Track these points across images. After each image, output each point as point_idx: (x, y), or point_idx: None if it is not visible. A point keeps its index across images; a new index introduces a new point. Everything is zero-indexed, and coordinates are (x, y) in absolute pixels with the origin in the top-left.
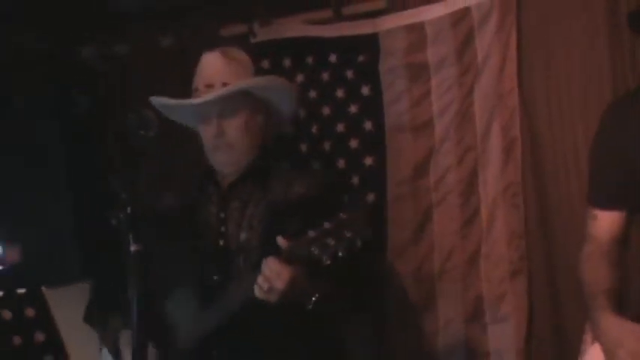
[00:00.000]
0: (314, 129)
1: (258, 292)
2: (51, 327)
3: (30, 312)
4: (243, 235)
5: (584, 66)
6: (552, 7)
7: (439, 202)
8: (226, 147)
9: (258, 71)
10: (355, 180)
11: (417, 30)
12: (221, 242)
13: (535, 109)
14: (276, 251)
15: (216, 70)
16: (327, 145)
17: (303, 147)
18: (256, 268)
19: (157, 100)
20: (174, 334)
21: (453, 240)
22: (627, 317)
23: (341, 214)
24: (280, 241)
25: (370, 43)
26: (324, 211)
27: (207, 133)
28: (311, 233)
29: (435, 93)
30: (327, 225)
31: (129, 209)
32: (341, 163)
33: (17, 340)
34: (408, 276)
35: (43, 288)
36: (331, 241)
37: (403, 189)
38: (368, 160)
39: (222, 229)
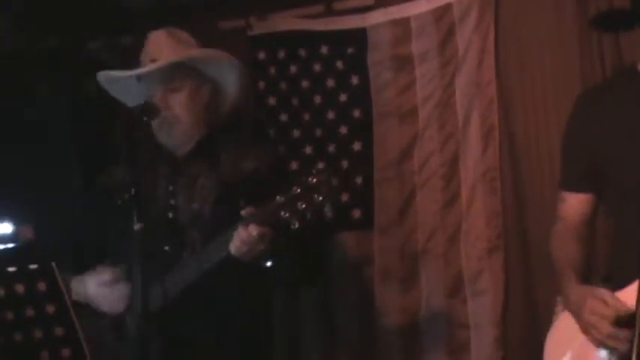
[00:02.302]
0: (306, 116)
1: (235, 250)
2: (61, 300)
3: (41, 286)
4: (195, 206)
5: (555, 60)
6: (527, 5)
7: (422, 184)
8: (172, 120)
9: (255, 62)
10: (344, 163)
11: (402, 24)
12: (170, 214)
13: (511, 99)
14: (232, 220)
15: (162, 46)
16: (318, 132)
17: (296, 133)
18: (211, 238)
19: (104, 75)
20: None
21: (435, 220)
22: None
23: (310, 178)
24: (246, 211)
25: (359, 37)
26: (273, 184)
27: None
28: (280, 198)
29: (419, 83)
30: (295, 190)
31: (133, 190)
32: (331, 148)
33: (30, 311)
34: (393, 253)
35: (53, 264)
36: (300, 206)
37: (389, 172)
38: (356, 146)
39: (172, 201)
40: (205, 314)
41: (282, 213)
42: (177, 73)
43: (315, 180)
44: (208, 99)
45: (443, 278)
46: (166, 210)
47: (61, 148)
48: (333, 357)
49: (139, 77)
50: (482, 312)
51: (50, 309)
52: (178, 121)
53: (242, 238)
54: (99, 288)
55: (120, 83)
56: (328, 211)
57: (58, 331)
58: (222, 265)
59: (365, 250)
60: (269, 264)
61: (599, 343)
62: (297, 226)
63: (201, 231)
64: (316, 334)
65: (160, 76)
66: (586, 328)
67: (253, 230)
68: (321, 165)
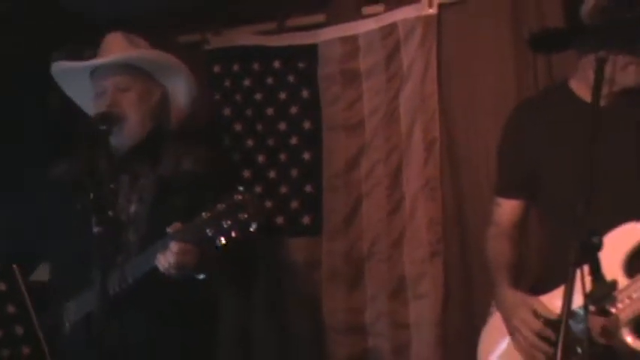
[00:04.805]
0: (259, 127)
1: (159, 265)
2: (21, 300)
3: (2, 286)
4: (132, 208)
5: (494, 77)
6: (467, 26)
7: (368, 193)
8: (120, 117)
9: (211, 74)
10: (295, 172)
11: (351, 41)
12: (110, 213)
13: (452, 113)
14: (168, 224)
15: (115, 46)
16: (270, 142)
17: (250, 142)
18: (145, 240)
19: (57, 66)
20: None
21: (379, 226)
22: (524, 290)
23: (235, 196)
24: (172, 227)
25: (310, 52)
26: (210, 187)
27: (101, 104)
28: (204, 215)
29: (365, 96)
30: (220, 207)
31: (92, 195)
32: (282, 157)
33: None
34: (340, 257)
35: (14, 265)
36: (225, 223)
37: (337, 181)
38: (306, 155)
39: (112, 199)
40: (140, 319)
41: (208, 230)
42: (126, 73)
43: (240, 197)
44: (157, 104)
45: (386, 281)
46: (107, 207)
47: (29, 153)
48: (284, 354)
49: (91, 74)
50: (422, 313)
51: (11, 309)
52: (125, 119)
53: (165, 255)
54: None
55: (74, 80)
56: (253, 229)
57: (19, 330)
58: (153, 276)
59: (314, 255)
60: (201, 277)
61: (522, 350)
62: (222, 242)
63: (136, 233)
64: (267, 332)
65: (110, 73)
66: (513, 333)
67: (174, 247)
68: (242, 188)
